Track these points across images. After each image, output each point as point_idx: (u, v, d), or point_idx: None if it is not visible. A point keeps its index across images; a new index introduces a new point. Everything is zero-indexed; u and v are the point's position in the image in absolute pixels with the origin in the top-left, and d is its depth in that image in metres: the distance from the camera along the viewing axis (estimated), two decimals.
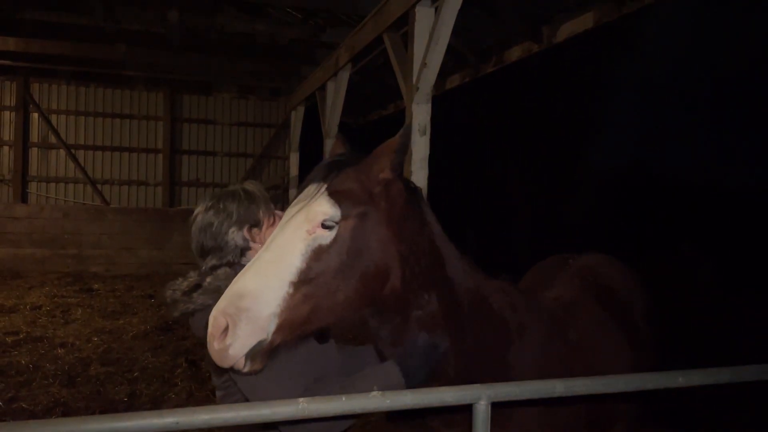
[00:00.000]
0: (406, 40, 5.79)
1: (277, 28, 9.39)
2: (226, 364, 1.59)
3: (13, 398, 5.41)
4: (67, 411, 5.17)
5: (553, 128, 14.85)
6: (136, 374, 6.21)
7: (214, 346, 1.58)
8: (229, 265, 2.14)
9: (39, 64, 12.29)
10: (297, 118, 12.76)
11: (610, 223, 12.82)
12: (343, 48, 8.42)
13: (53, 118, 13.82)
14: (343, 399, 1.49)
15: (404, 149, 1.82)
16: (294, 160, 12.93)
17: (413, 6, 5.41)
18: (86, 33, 10.28)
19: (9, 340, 7.30)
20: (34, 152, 13.80)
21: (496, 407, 1.63)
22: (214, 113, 14.96)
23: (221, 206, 2.15)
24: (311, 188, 1.77)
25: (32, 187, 13.79)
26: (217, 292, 2.00)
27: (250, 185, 2.26)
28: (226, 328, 1.56)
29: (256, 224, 2.18)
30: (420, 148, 5.46)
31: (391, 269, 1.79)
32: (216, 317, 1.58)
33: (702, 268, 11.08)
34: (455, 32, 5.30)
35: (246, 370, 1.60)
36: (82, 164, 13.93)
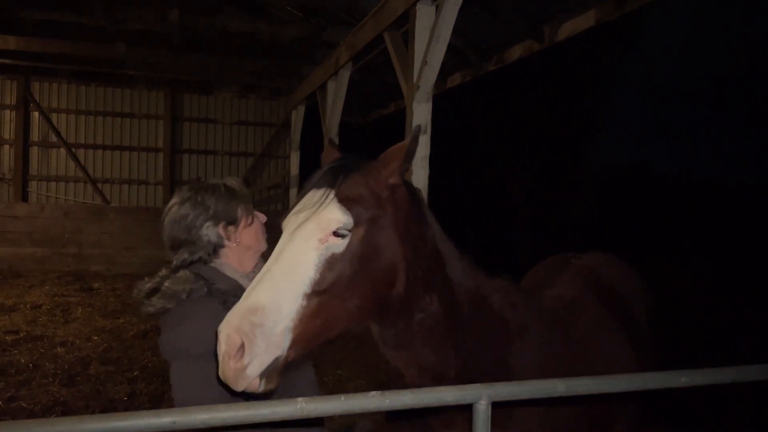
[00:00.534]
0: (406, 39, 5.78)
1: (278, 27, 9.38)
2: (241, 385, 1.51)
3: (12, 397, 5.40)
4: (67, 410, 5.16)
5: (554, 127, 14.84)
6: (136, 373, 6.20)
7: (230, 365, 1.49)
8: (203, 261, 2.11)
9: (39, 63, 12.28)
10: (297, 117, 12.74)
11: (610, 222, 12.80)
12: (343, 47, 8.40)
13: (54, 117, 13.82)
14: (342, 399, 1.48)
15: (413, 154, 1.79)
16: (294, 159, 12.92)
17: (414, 4, 5.39)
18: (87, 32, 10.27)
19: (9, 339, 7.29)
20: (34, 151, 13.80)
21: (497, 407, 1.61)
22: (214, 112, 14.96)
23: (199, 199, 2.10)
24: (316, 194, 1.71)
25: (33, 186, 13.79)
26: (174, 297, 1.99)
27: (232, 181, 2.22)
28: (241, 347, 1.48)
29: (233, 222, 2.13)
30: (421, 147, 5.44)
31: (398, 274, 1.78)
32: (230, 335, 1.50)
33: (702, 267, 11.07)
34: (456, 31, 5.29)
35: (261, 390, 1.53)
36: (83, 163, 13.93)
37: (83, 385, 5.81)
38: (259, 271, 2.14)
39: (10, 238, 12.69)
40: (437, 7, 5.21)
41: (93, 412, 5.02)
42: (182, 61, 11.74)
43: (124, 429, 1.29)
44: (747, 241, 11.49)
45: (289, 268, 1.60)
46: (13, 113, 13.53)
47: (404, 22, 5.92)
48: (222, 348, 1.50)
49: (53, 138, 13.78)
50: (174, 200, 2.15)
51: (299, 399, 1.43)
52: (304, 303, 1.57)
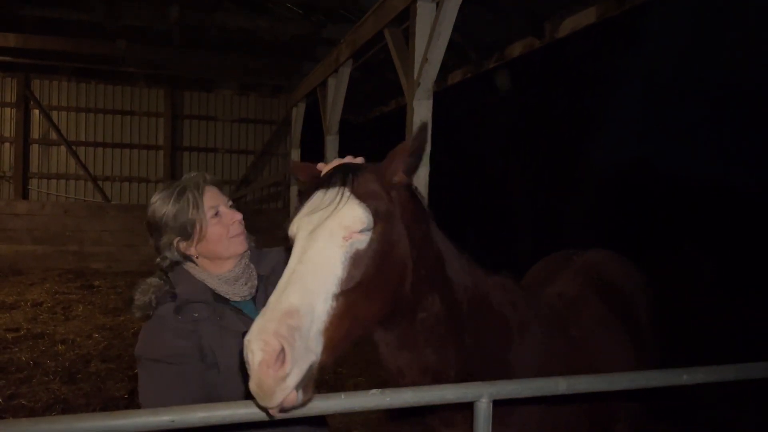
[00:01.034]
0: (407, 36, 5.76)
1: (278, 24, 9.36)
2: (278, 398, 1.36)
3: (13, 395, 5.40)
4: (68, 408, 5.16)
5: (555, 124, 14.81)
6: (136, 371, 6.19)
7: (269, 374, 1.35)
8: (175, 264, 2.13)
9: (40, 61, 12.26)
10: (298, 114, 12.71)
11: (612, 220, 12.78)
12: (343, 44, 8.38)
13: (54, 114, 13.81)
14: (342, 396, 1.47)
15: (420, 152, 1.77)
16: (295, 156, 12.87)
17: (414, 1, 5.37)
18: (87, 29, 10.25)
19: (9, 336, 7.30)
20: (34, 149, 13.80)
21: (498, 405, 1.60)
22: (215, 110, 14.95)
23: (152, 225, 2.10)
24: (328, 194, 1.67)
25: (33, 183, 13.79)
26: (147, 308, 2.03)
27: (182, 186, 2.12)
28: (280, 353, 1.36)
29: (187, 237, 2.08)
30: None
31: (407, 271, 1.77)
32: (267, 341, 1.37)
33: (704, 266, 11.05)
34: (457, 28, 5.26)
35: (300, 402, 1.41)
36: (83, 161, 13.93)
37: (84, 383, 5.81)
38: (237, 271, 2.13)
39: (11, 236, 12.70)
40: (438, 3, 5.18)
41: (93, 410, 5.02)
42: (182, 58, 11.72)
43: (123, 427, 1.28)
44: (748, 240, 11.47)
45: (315, 268, 1.55)
46: (14, 111, 13.52)
47: (405, 19, 5.90)
48: (257, 356, 1.35)
49: (53, 136, 13.77)
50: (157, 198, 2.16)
51: None
52: (334, 304, 1.53)
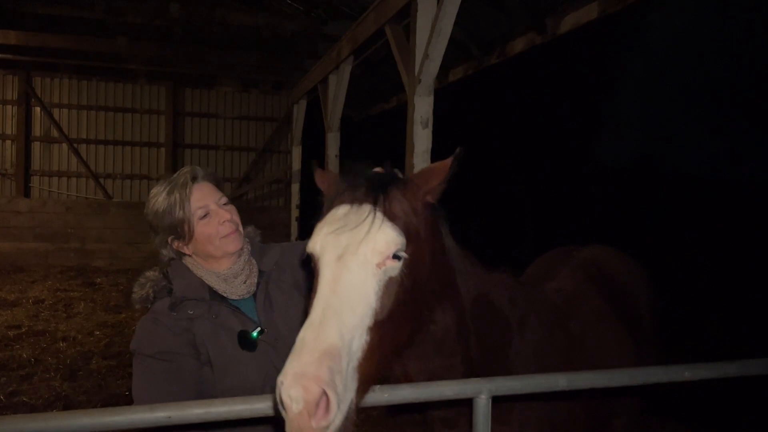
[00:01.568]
0: (408, 32, 5.74)
1: (279, 21, 9.34)
2: None
3: (14, 392, 5.41)
4: (69, 405, 5.17)
5: (557, 121, 14.78)
6: None
7: (311, 425, 1.25)
8: (174, 258, 2.13)
9: (41, 58, 12.26)
10: (299, 111, 12.70)
11: (614, 216, 12.76)
12: (344, 40, 8.36)
13: (55, 112, 13.80)
14: None
15: (449, 177, 1.70)
16: (296, 154, 12.89)
17: None
18: (88, 26, 10.24)
19: (11, 333, 7.31)
20: (36, 146, 13.80)
21: (498, 403, 1.59)
22: (216, 107, 14.93)
23: (149, 223, 2.10)
24: (358, 213, 1.56)
25: (35, 181, 13.79)
26: (145, 301, 2.04)
27: (172, 184, 2.09)
28: (321, 397, 1.26)
29: (178, 236, 2.07)
30: (422, 140, 5.42)
31: (430, 291, 1.72)
32: (308, 387, 1.25)
33: (706, 261, 11.03)
34: (457, 24, 5.24)
35: None
36: (85, 158, 13.92)
37: (85, 380, 5.81)
38: (236, 268, 2.10)
39: (13, 233, 12.72)
40: None
41: (94, 407, 5.02)
42: (183, 55, 11.71)
43: (118, 424, 1.28)
44: (751, 235, 11.44)
45: (350, 299, 1.44)
46: (15, 108, 13.52)
47: (406, 15, 5.88)
48: (297, 405, 1.24)
49: (55, 133, 13.77)
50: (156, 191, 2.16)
51: None
52: (368, 338, 1.43)
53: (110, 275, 11.90)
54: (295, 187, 12.92)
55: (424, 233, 1.66)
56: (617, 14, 6.11)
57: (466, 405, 1.64)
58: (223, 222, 2.06)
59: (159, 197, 2.06)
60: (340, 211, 1.60)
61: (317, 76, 10.28)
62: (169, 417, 1.30)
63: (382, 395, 1.48)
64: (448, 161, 1.69)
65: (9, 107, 13.54)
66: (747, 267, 10.56)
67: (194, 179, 2.09)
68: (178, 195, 2.03)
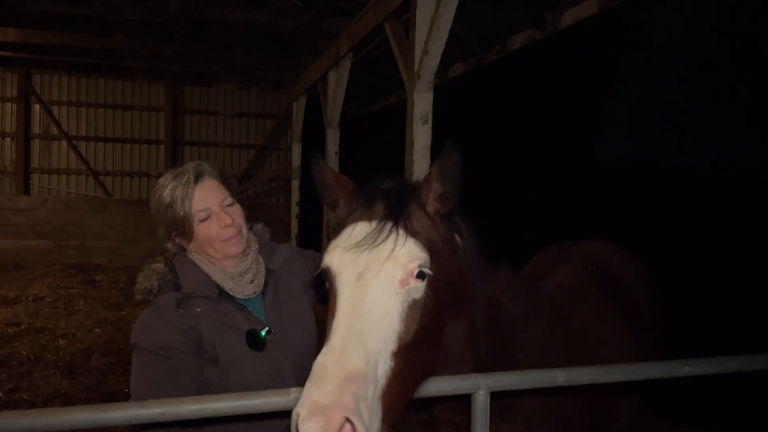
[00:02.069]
0: (407, 28, 5.71)
1: (277, 17, 9.31)
2: None
3: (13, 389, 5.41)
4: (68, 402, 5.17)
5: (557, 117, 14.75)
6: None
7: None
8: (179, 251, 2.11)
9: (40, 56, 12.22)
10: (299, 108, 12.68)
11: (614, 213, 12.74)
12: (343, 37, 8.34)
13: (54, 109, 13.78)
14: None
15: (451, 177, 1.56)
16: (296, 151, 12.87)
17: None
18: (86, 24, 10.21)
19: (11, 331, 7.30)
20: (35, 144, 13.77)
21: (500, 401, 1.58)
22: (215, 104, 14.91)
23: (153, 215, 2.08)
24: (379, 229, 1.48)
25: (34, 178, 13.77)
26: (148, 293, 2.01)
27: (176, 180, 2.06)
28: (344, 425, 1.19)
29: (180, 233, 2.06)
30: (422, 137, 5.41)
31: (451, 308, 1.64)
32: (330, 417, 1.17)
33: (706, 257, 11.02)
34: (457, 19, 5.22)
35: None
36: (84, 156, 13.91)
37: (84, 377, 5.81)
38: (242, 267, 2.07)
39: (13, 231, 12.71)
40: None
41: (94, 404, 5.02)
42: (182, 52, 11.67)
43: (112, 420, 1.26)
44: (754, 232, 11.42)
45: (373, 322, 1.36)
46: (14, 106, 13.49)
47: (405, 11, 5.86)
48: None
49: (54, 130, 13.75)
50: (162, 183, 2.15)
51: (292, 389, 1.40)
52: (392, 363, 1.35)
53: (110, 272, 11.89)
54: (295, 184, 12.91)
55: (444, 248, 1.59)
56: (618, 9, 6.08)
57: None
58: (224, 226, 2.01)
59: (164, 190, 2.04)
60: (359, 228, 1.52)
61: (317, 72, 10.26)
62: (163, 413, 1.28)
63: None
64: (436, 164, 1.59)
65: (8, 104, 13.52)
66: (748, 264, 10.54)
67: (198, 178, 2.05)
68: (180, 193, 2.01)
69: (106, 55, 12.02)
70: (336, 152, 9.62)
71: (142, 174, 14.46)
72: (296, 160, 12.89)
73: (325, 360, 1.27)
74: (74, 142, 13.82)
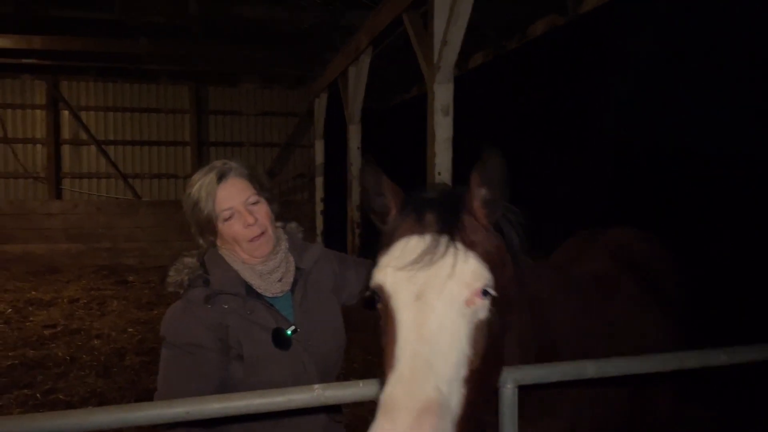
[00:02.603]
0: (426, 20, 5.66)
1: (296, 14, 9.32)
2: None
3: (50, 390, 5.54)
4: (103, 401, 5.27)
5: (581, 105, 14.49)
6: None
7: None
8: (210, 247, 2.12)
9: (65, 62, 12.47)
10: (320, 105, 12.72)
11: (637, 201, 12.48)
12: (362, 32, 8.31)
13: (82, 115, 14.06)
14: (361, 384, 1.43)
15: (495, 181, 1.47)
16: (319, 147, 12.93)
17: None
18: (109, 29, 10.36)
19: (47, 333, 7.49)
20: (65, 149, 14.08)
21: (537, 394, 1.53)
22: (239, 104, 15.04)
23: (185, 212, 2.09)
24: (435, 244, 1.38)
25: (66, 183, 14.09)
26: (179, 286, 2.04)
27: (206, 178, 2.05)
28: None
29: (208, 230, 2.05)
30: (443, 128, 5.36)
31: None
32: None
33: (736, 243, 10.72)
34: (475, 8, 5.15)
35: None
36: (113, 159, 14.17)
37: (119, 376, 5.92)
38: (272, 264, 2.06)
39: (47, 235, 13.04)
40: None
41: (128, 403, 5.11)
42: (203, 52, 11.77)
43: (137, 420, 1.27)
44: None
45: (441, 346, 1.27)
46: (44, 113, 13.82)
47: (423, 2, 5.80)
48: None
49: (83, 136, 14.03)
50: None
51: (316, 386, 1.39)
52: (464, 391, 1.25)
53: (141, 273, 12.11)
54: (319, 181, 12.96)
55: (498, 257, 1.49)
56: None
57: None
58: (248, 225, 2.00)
59: (192, 188, 2.05)
60: (412, 243, 1.41)
61: (337, 68, 10.26)
62: (187, 412, 1.28)
63: None
64: (477, 168, 1.49)
65: (38, 112, 13.84)
66: None
67: (222, 177, 2.04)
68: (204, 192, 2.01)
69: (130, 59, 12.20)
70: (358, 147, 9.61)
71: (170, 176, 14.67)
72: (319, 157, 12.94)
73: (394, 391, 1.18)
74: (103, 147, 14.09)
